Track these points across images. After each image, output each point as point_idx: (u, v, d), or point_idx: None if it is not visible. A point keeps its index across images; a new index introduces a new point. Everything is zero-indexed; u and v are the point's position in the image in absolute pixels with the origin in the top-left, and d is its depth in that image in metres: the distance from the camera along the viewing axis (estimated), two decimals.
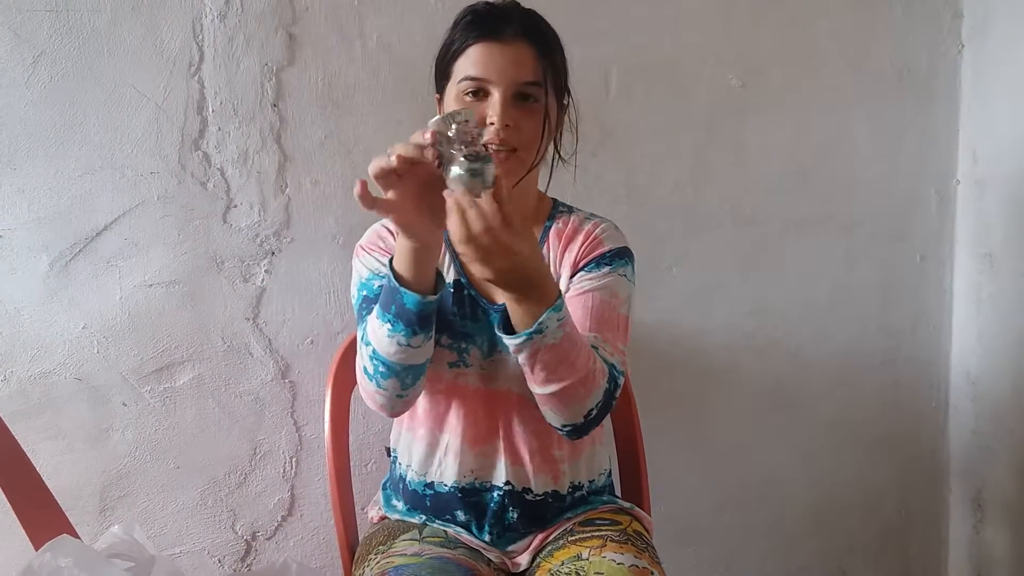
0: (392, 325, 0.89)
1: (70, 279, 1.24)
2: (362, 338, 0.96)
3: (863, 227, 1.65)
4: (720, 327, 1.58)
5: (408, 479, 1.07)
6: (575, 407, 0.92)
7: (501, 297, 0.94)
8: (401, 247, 0.87)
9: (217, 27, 1.26)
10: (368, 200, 0.79)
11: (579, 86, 1.46)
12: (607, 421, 1.24)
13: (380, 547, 1.04)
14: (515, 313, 0.87)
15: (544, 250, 1.05)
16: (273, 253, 1.32)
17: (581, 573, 0.94)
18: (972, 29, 1.65)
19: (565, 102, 1.04)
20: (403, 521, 1.09)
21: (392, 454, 1.13)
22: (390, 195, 0.82)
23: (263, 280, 1.32)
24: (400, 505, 1.10)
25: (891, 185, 1.66)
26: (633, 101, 1.47)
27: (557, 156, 1.08)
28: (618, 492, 1.23)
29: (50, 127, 1.21)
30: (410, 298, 0.87)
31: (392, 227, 1.01)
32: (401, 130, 1.35)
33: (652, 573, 0.95)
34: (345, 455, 1.22)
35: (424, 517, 1.07)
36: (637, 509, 1.12)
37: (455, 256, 1.03)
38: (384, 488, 1.15)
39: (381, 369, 0.92)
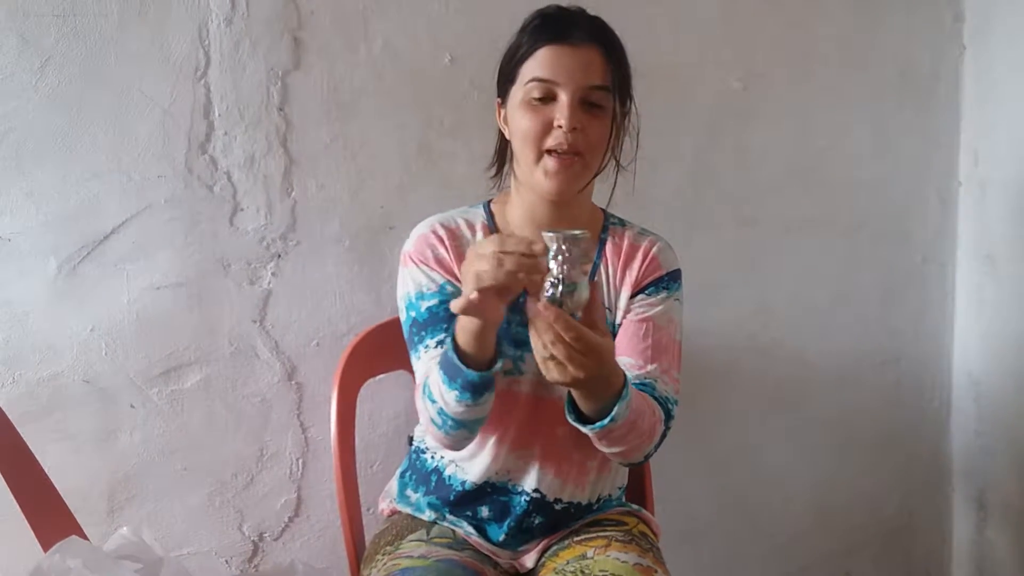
0: (460, 392, 0.90)
1: (78, 282, 1.25)
2: (425, 392, 0.95)
3: (865, 228, 1.66)
4: (722, 328, 1.59)
5: (445, 473, 1.07)
6: (634, 455, 0.97)
7: None
8: (466, 327, 0.87)
9: (223, 32, 1.27)
10: (465, 308, 0.81)
11: None
12: None
13: (387, 547, 1.05)
14: (584, 402, 0.88)
15: (600, 266, 1.06)
16: (279, 256, 1.33)
17: (586, 571, 0.95)
18: (974, 31, 1.65)
19: (627, 108, 1.04)
20: (412, 518, 1.09)
21: (417, 444, 1.13)
22: (478, 297, 0.80)
23: (269, 283, 1.33)
24: (415, 496, 1.10)
25: (892, 186, 1.67)
26: (634, 102, 1.47)
27: (615, 165, 1.07)
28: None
29: (58, 131, 1.22)
30: (475, 375, 0.87)
31: (444, 234, 1.03)
32: (406, 134, 1.36)
33: (656, 572, 0.96)
34: (351, 456, 1.23)
35: (434, 514, 1.07)
36: (644, 512, 1.13)
37: None
38: (401, 477, 1.15)
39: (450, 423, 0.94)
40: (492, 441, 1.03)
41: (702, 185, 1.55)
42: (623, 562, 0.96)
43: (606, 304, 1.04)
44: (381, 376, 1.33)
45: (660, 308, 1.04)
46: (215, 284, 1.30)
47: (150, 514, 1.31)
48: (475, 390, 0.89)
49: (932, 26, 1.65)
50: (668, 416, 0.99)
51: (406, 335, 1.03)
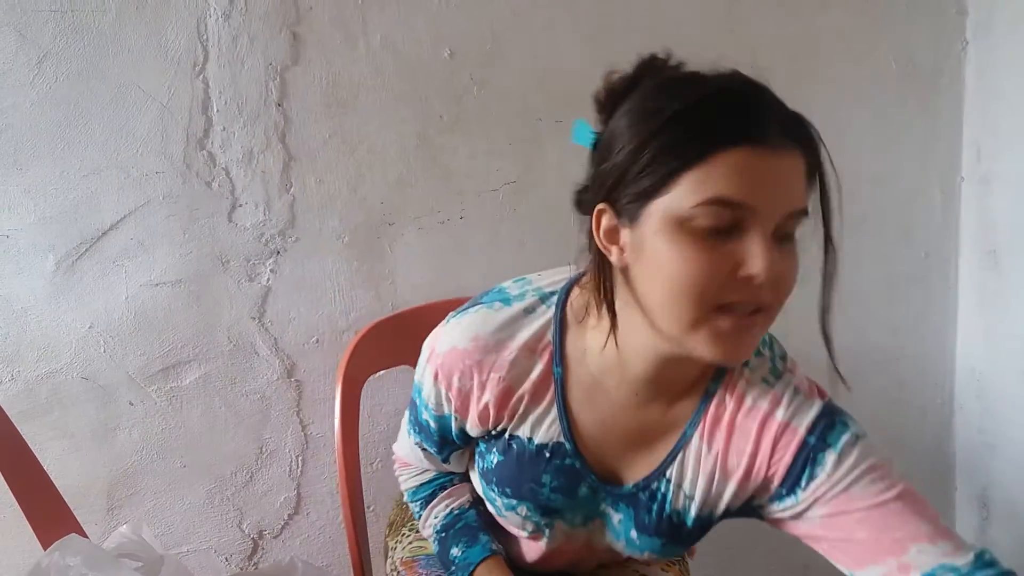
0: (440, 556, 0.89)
1: (76, 279, 1.24)
2: (413, 501, 0.94)
3: (867, 224, 1.65)
4: None
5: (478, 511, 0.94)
6: None
7: (630, 476, 0.77)
8: None
9: (221, 27, 1.26)
10: None
11: (583, 84, 1.46)
12: None
13: (413, 521, 1.00)
14: None
15: (693, 437, 0.75)
16: (278, 252, 1.32)
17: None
18: (977, 25, 1.64)
19: (831, 236, 0.73)
20: None
21: None
22: None
23: (268, 279, 1.32)
24: None
25: (895, 182, 1.66)
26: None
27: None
28: None
29: (55, 127, 1.21)
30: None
31: (475, 373, 0.75)
32: (405, 129, 1.35)
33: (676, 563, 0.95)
34: (355, 453, 1.23)
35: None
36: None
37: (563, 410, 0.76)
38: None
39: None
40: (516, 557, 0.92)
41: None
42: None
43: (688, 493, 0.76)
44: (381, 372, 1.33)
45: (853, 490, 0.70)
46: (214, 280, 1.30)
47: (149, 512, 1.30)
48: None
49: (934, 20, 1.64)
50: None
51: (408, 416, 0.90)
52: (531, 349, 0.75)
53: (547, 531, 0.82)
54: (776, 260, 0.64)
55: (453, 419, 0.80)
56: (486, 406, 0.76)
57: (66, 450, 1.26)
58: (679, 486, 0.76)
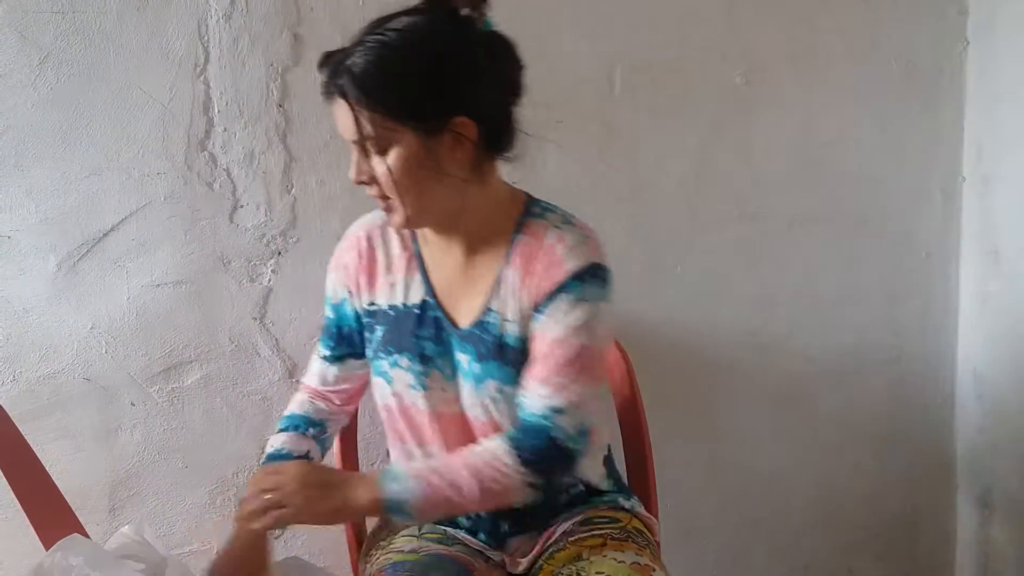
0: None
1: (78, 280, 1.25)
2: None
3: (868, 224, 1.65)
4: (725, 324, 1.58)
5: None
6: (503, 502, 0.93)
7: (465, 320, 0.98)
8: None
9: (222, 28, 1.26)
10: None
11: (584, 84, 1.47)
12: (610, 409, 1.24)
13: (381, 543, 1.05)
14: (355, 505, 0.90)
15: (507, 275, 0.96)
16: (279, 253, 1.32)
17: (583, 574, 0.94)
18: (977, 25, 1.64)
19: (446, 126, 0.89)
20: None
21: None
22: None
23: (270, 280, 1.32)
24: None
25: (896, 182, 1.66)
26: (637, 98, 1.47)
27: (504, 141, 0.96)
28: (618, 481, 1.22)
29: (57, 128, 1.21)
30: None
31: (364, 242, 1.03)
32: None
33: (654, 570, 0.94)
34: (354, 454, 1.23)
35: None
36: (637, 508, 1.09)
37: (424, 274, 1.00)
38: None
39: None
40: (424, 451, 1.03)
41: (705, 181, 1.54)
42: (620, 562, 0.94)
43: (509, 318, 0.96)
44: None
45: (559, 319, 0.92)
46: (215, 281, 1.30)
47: (151, 512, 1.31)
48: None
49: (935, 20, 1.64)
50: (527, 441, 0.91)
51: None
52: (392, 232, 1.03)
53: (425, 381, 0.98)
54: (360, 167, 0.91)
55: (346, 301, 1.04)
56: (360, 276, 1.02)
57: (68, 451, 1.26)
58: (502, 315, 0.96)
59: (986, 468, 1.70)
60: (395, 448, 1.07)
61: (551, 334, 0.93)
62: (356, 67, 0.87)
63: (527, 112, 1.00)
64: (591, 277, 0.93)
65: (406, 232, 1.02)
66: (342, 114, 0.90)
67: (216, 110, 1.27)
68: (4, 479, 0.95)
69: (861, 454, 1.70)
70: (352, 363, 1.07)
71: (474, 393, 0.98)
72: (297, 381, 1.35)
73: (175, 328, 1.29)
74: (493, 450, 0.91)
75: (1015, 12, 1.57)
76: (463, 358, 0.98)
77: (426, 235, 1.01)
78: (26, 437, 0.99)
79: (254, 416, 1.34)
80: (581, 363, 0.92)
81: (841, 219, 1.64)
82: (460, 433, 1.00)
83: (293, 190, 1.32)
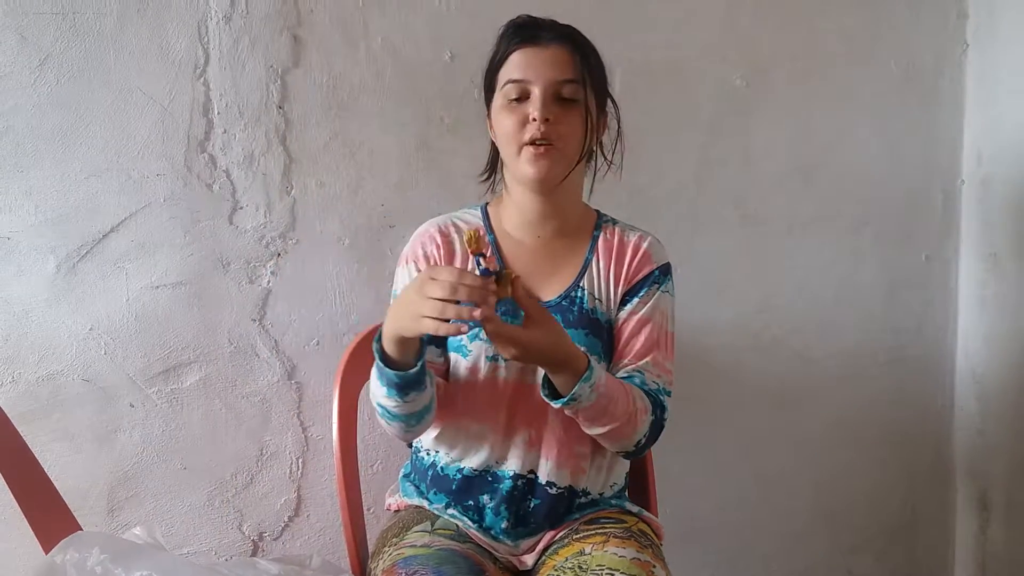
0: (387, 389, 0.97)
1: (77, 281, 1.24)
2: (371, 388, 1.02)
3: (868, 226, 1.65)
4: (725, 326, 1.58)
5: (440, 464, 1.09)
6: (622, 442, 1.03)
7: (550, 294, 1.08)
8: (391, 336, 0.94)
9: (222, 29, 1.26)
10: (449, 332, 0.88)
11: None
12: None
13: (393, 539, 1.06)
14: (554, 380, 0.97)
15: (592, 261, 1.10)
16: (279, 254, 1.32)
17: (584, 567, 0.96)
18: (977, 28, 1.64)
19: (608, 108, 1.09)
20: (418, 510, 1.10)
21: (415, 444, 1.15)
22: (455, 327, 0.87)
23: (269, 281, 1.32)
24: (421, 489, 1.12)
25: (896, 184, 1.66)
26: (637, 100, 1.46)
27: (601, 163, 1.13)
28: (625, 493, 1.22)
29: (56, 129, 1.21)
30: (395, 375, 0.94)
31: (438, 236, 1.09)
32: (405, 132, 1.36)
33: (654, 567, 0.96)
34: (353, 456, 1.23)
35: (447, 500, 1.08)
36: (646, 513, 1.12)
37: (499, 259, 1.09)
38: (406, 478, 1.16)
39: (386, 415, 1.01)
40: (483, 428, 1.06)
41: (705, 183, 1.54)
42: (621, 557, 0.96)
43: (598, 297, 1.09)
44: None
45: (652, 304, 1.08)
46: (214, 283, 1.30)
47: (150, 513, 1.31)
48: (400, 389, 0.95)
49: (935, 23, 1.64)
50: (658, 406, 1.04)
51: None
52: (469, 226, 1.11)
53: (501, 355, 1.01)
54: (552, 109, 1.00)
55: None
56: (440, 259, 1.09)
57: (67, 452, 1.26)
58: (591, 293, 1.08)
59: (985, 469, 1.70)
60: (447, 430, 1.08)
61: (645, 317, 1.07)
62: (577, 32, 1.05)
63: None
64: (670, 274, 1.12)
65: (481, 227, 1.11)
66: (555, 56, 1.01)
67: (216, 112, 1.27)
68: (3, 480, 0.95)
69: (860, 456, 1.70)
70: (432, 350, 1.09)
71: None
72: (296, 383, 1.35)
73: (174, 329, 1.29)
74: (639, 395, 1.02)
75: (1015, 16, 1.57)
76: None
77: (504, 225, 1.11)
78: (25, 438, 0.99)
79: (253, 417, 1.34)
80: (671, 349, 1.09)
81: (841, 221, 1.64)
82: (530, 406, 1.05)
83: (293, 192, 1.32)
